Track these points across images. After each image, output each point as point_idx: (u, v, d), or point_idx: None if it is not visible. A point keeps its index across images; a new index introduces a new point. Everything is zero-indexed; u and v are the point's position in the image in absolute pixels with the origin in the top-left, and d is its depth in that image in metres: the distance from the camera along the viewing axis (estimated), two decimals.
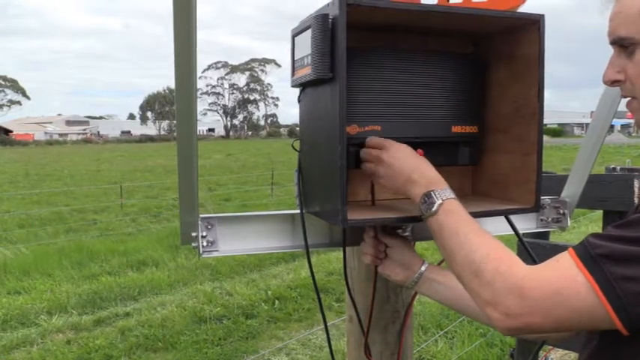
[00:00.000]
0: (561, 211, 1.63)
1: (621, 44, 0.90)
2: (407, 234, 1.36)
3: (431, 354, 4.80)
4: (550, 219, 1.63)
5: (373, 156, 1.12)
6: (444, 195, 1.01)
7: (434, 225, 1.00)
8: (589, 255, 0.80)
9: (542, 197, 1.24)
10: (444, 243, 0.98)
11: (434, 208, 1.00)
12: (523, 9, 1.20)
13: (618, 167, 2.68)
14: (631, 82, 0.91)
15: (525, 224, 1.60)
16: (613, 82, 0.94)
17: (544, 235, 2.76)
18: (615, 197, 2.49)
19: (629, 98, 0.94)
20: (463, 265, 0.93)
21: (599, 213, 2.94)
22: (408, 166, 1.07)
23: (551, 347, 3.60)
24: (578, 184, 1.62)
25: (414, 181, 1.05)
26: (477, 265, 0.90)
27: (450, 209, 0.99)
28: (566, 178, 1.67)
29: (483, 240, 0.93)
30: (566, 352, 4.21)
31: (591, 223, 9.67)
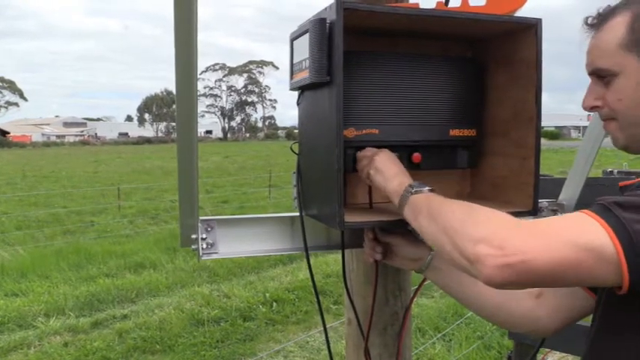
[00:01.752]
0: (559, 214, 1.63)
1: (599, 75, 0.98)
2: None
3: (429, 357, 4.80)
4: None
5: (365, 163, 1.17)
6: (421, 186, 1.04)
7: (412, 209, 1.01)
8: (600, 205, 0.81)
9: (539, 200, 1.25)
10: (431, 211, 0.96)
11: (410, 194, 1.03)
12: (522, 10, 1.21)
13: (615, 170, 2.69)
14: (609, 107, 0.98)
15: None
16: (592, 108, 1.02)
17: None
18: None
19: (607, 120, 1.01)
20: (457, 219, 0.87)
21: None
22: (386, 171, 1.12)
23: (548, 350, 3.60)
24: (576, 187, 1.63)
25: (390, 182, 1.10)
26: (472, 212, 0.88)
27: (428, 194, 1.03)
28: (563, 181, 1.68)
29: (479, 206, 0.91)
30: (564, 355, 4.21)
31: None
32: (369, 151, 1.18)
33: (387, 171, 1.11)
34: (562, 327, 1.13)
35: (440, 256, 1.23)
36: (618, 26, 0.94)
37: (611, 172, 2.66)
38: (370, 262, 1.30)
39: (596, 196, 0.88)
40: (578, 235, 0.78)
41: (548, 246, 0.76)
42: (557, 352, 3.96)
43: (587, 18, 1.00)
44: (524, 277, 0.77)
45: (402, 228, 1.30)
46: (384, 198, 1.29)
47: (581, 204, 1.65)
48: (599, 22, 0.98)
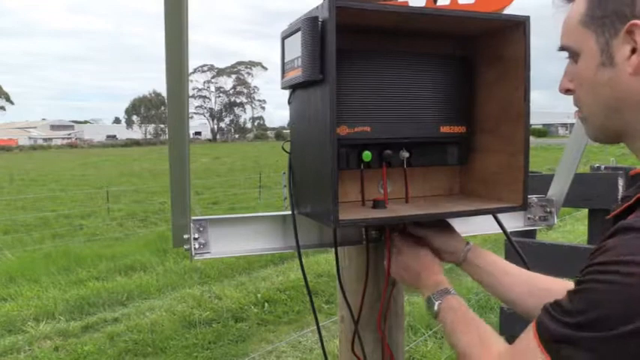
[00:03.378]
0: (548, 210, 1.65)
1: (566, 52, 0.92)
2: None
3: (421, 354, 4.82)
4: (537, 217, 1.65)
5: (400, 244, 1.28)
6: (440, 298, 1.12)
7: (440, 321, 1.11)
8: (546, 323, 0.78)
9: (529, 196, 1.26)
10: (447, 336, 1.08)
11: (434, 310, 1.12)
12: (514, 5, 1.22)
13: (603, 166, 2.72)
14: (577, 93, 0.91)
15: (513, 223, 1.62)
16: (567, 91, 0.94)
17: (531, 234, 2.80)
18: (600, 196, 2.53)
19: (578, 108, 0.94)
20: (460, 355, 1.01)
21: (585, 212, 2.97)
22: (413, 268, 1.23)
23: None
24: (564, 183, 1.65)
25: (421, 284, 1.20)
26: (463, 354, 0.99)
27: (445, 309, 1.10)
28: (551, 177, 1.70)
29: (467, 332, 1.02)
30: None
31: (577, 221, 9.77)
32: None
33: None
34: None
35: (477, 251, 1.25)
36: (581, 0, 0.87)
37: (599, 167, 2.69)
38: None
39: (584, 193, 0.86)
40: None
41: None
42: None
43: None
44: None
45: (395, 224, 1.32)
46: (377, 196, 1.30)
47: (568, 200, 1.67)
48: None
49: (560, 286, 1.20)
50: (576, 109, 0.95)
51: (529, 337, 0.81)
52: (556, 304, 0.79)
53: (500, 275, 1.21)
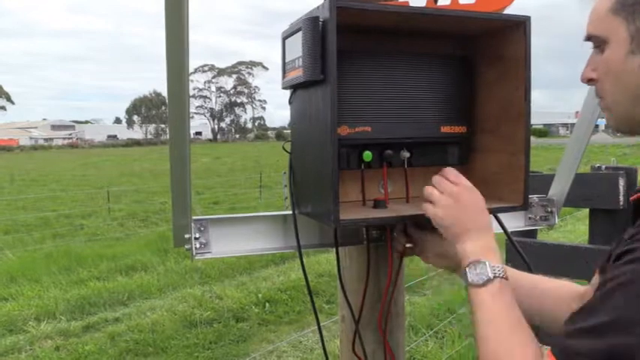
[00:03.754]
0: (549, 209, 1.65)
1: (593, 43, 0.91)
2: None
3: (422, 354, 4.82)
4: (538, 217, 1.65)
5: (448, 190, 1.05)
6: (497, 271, 0.95)
7: (475, 297, 0.95)
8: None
9: (529, 196, 1.27)
10: (477, 321, 0.93)
11: (482, 281, 0.94)
12: (515, 6, 1.22)
13: (603, 166, 2.72)
14: (600, 82, 0.91)
15: (514, 222, 1.62)
16: (589, 81, 0.94)
17: (532, 233, 2.80)
18: (601, 196, 2.53)
19: (599, 98, 0.94)
20: (487, 353, 0.89)
21: (586, 211, 2.97)
22: (474, 216, 1.03)
23: (541, 346, 3.63)
24: (565, 182, 1.65)
25: (469, 236, 1.00)
26: (491, 356, 0.87)
27: (496, 290, 0.93)
28: (552, 177, 1.70)
29: (512, 335, 0.89)
30: None
31: (578, 221, 9.77)
32: (452, 175, 1.07)
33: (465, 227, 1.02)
34: None
35: None
36: None
37: (600, 167, 2.69)
38: (396, 255, 1.30)
39: (585, 192, 0.87)
40: None
41: None
42: (549, 348, 3.99)
43: None
44: None
45: (395, 223, 1.32)
46: (377, 195, 1.30)
47: (569, 200, 1.67)
48: None
49: (553, 285, 1.20)
50: (597, 99, 0.95)
51: None
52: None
53: None
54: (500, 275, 0.94)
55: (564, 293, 1.16)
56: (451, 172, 1.07)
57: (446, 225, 1.04)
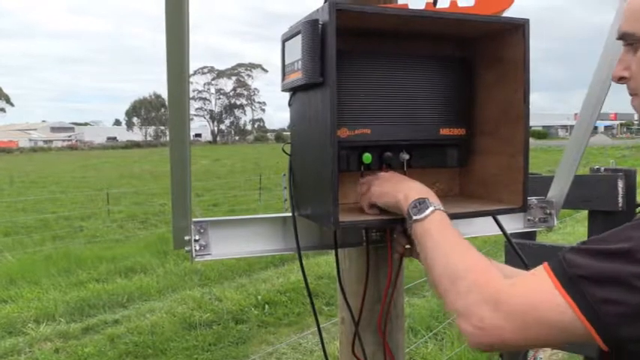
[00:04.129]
0: (548, 211, 1.66)
1: (627, 40, 0.91)
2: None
3: (421, 356, 4.82)
4: (537, 219, 1.65)
5: (364, 186, 1.18)
6: (436, 205, 1.01)
7: (419, 229, 1.00)
8: (567, 275, 0.78)
9: (528, 198, 1.27)
10: (426, 250, 0.97)
11: (425, 213, 1.00)
12: (513, 8, 1.23)
13: (602, 168, 2.72)
14: (634, 79, 0.92)
15: (513, 224, 1.62)
16: (620, 79, 0.94)
17: (531, 235, 2.80)
18: (600, 197, 2.53)
19: (632, 95, 0.94)
20: (442, 276, 0.91)
21: (585, 213, 2.98)
22: (401, 179, 1.13)
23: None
24: (564, 184, 1.65)
25: (410, 187, 1.08)
26: (455, 275, 0.89)
27: (438, 219, 1.00)
28: (551, 179, 1.70)
29: (467, 253, 0.93)
30: (555, 351, 4.25)
31: (577, 223, 9.78)
32: (366, 180, 1.19)
33: (383, 194, 1.12)
34: None
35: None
36: None
37: (598, 169, 2.69)
38: (396, 256, 1.30)
39: (584, 194, 0.89)
40: (548, 314, 0.78)
41: (522, 327, 0.80)
42: (548, 350, 3.99)
43: None
44: (503, 348, 0.91)
45: (395, 225, 1.32)
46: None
47: (568, 201, 1.67)
48: None
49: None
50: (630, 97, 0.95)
51: (540, 274, 0.81)
52: (575, 249, 0.81)
53: None
54: (439, 208, 1.01)
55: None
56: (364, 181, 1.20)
57: (382, 202, 1.13)
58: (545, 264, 0.82)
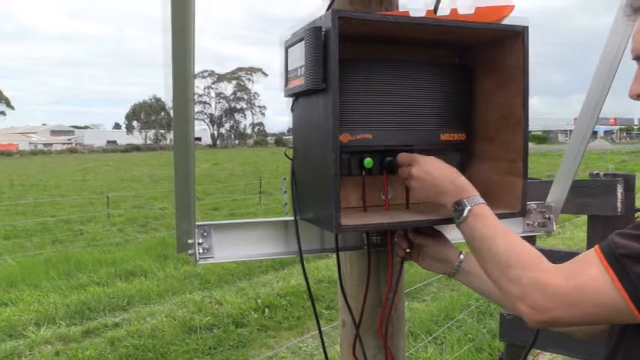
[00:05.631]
0: (547, 216, 1.67)
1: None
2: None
3: None
4: (536, 223, 1.67)
5: (405, 172, 1.20)
6: (472, 202, 1.08)
7: (465, 230, 1.08)
8: (613, 254, 0.86)
9: (528, 202, 1.28)
10: (475, 245, 1.06)
11: (464, 214, 1.07)
12: (515, 11, 1.24)
13: (602, 173, 2.73)
14: None
15: (512, 229, 1.61)
16: (639, 96, 1.00)
17: (530, 240, 2.81)
18: (599, 202, 2.54)
19: None
20: (493, 266, 1.00)
21: (584, 218, 2.99)
22: (437, 177, 1.14)
23: (539, 351, 3.64)
24: (563, 189, 1.67)
25: (445, 191, 1.12)
26: (504, 264, 0.97)
27: (478, 214, 1.07)
28: (550, 184, 1.71)
29: (510, 241, 1.00)
30: (555, 355, 4.25)
31: (576, 228, 9.79)
32: (402, 158, 1.21)
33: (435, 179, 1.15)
34: (598, 330, 1.14)
35: (470, 259, 1.26)
36: None
37: (598, 174, 2.70)
38: (397, 260, 1.33)
39: (583, 199, 0.93)
40: (593, 291, 0.87)
41: (573, 306, 0.88)
42: (548, 353, 4.00)
43: (630, 0, 0.99)
44: (559, 325, 0.96)
45: (399, 230, 1.34)
46: (379, 202, 1.32)
47: (567, 206, 1.68)
48: None
49: None
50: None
51: (590, 255, 0.89)
52: (622, 233, 0.88)
53: None
54: (477, 202, 1.08)
55: None
56: (402, 157, 1.22)
57: (424, 198, 1.19)
58: (597, 246, 0.90)
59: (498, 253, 0.99)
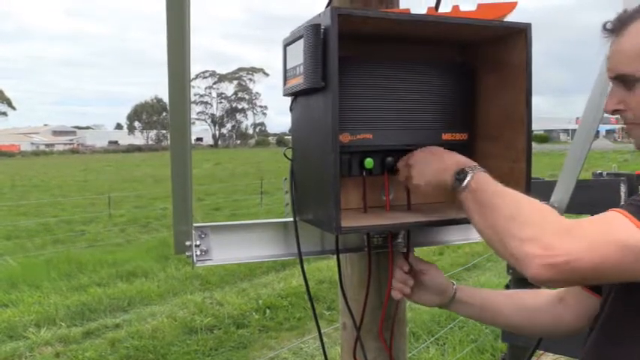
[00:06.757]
0: None
1: (622, 80, 0.99)
2: (399, 240, 1.38)
3: None
4: None
5: (402, 166, 1.20)
6: (474, 169, 1.04)
7: (469, 196, 1.02)
8: (634, 206, 0.85)
9: None
10: (481, 208, 0.98)
11: (467, 178, 1.02)
12: (517, 12, 1.22)
13: (605, 172, 2.72)
14: (632, 112, 1.00)
15: None
16: (614, 112, 1.03)
17: None
18: (603, 202, 2.52)
19: (630, 124, 1.03)
20: (505, 217, 0.92)
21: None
22: (436, 156, 1.13)
23: (542, 352, 3.62)
24: (567, 189, 1.65)
25: (445, 167, 1.09)
26: (519, 211, 0.91)
27: (481, 178, 1.02)
28: (553, 184, 1.69)
29: (522, 197, 0.96)
30: (558, 356, 4.23)
31: None
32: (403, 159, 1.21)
33: (425, 167, 1.14)
34: (587, 324, 1.15)
35: (463, 289, 1.28)
36: (638, 32, 0.96)
37: (601, 174, 2.68)
38: (398, 297, 1.29)
39: (587, 199, 0.93)
40: (617, 234, 0.83)
41: (591, 247, 0.83)
42: (550, 354, 3.97)
43: (605, 23, 1.01)
44: (568, 276, 0.85)
45: (397, 231, 1.32)
46: (379, 203, 1.30)
47: (571, 205, 1.66)
48: (618, 27, 0.99)
49: (542, 299, 1.27)
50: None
51: (608, 213, 0.88)
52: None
53: (493, 306, 1.28)
54: (479, 170, 1.04)
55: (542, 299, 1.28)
56: (399, 162, 1.22)
57: (425, 183, 1.14)
58: (610, 210, 0.88)
59: (514, 204, 0.93)
